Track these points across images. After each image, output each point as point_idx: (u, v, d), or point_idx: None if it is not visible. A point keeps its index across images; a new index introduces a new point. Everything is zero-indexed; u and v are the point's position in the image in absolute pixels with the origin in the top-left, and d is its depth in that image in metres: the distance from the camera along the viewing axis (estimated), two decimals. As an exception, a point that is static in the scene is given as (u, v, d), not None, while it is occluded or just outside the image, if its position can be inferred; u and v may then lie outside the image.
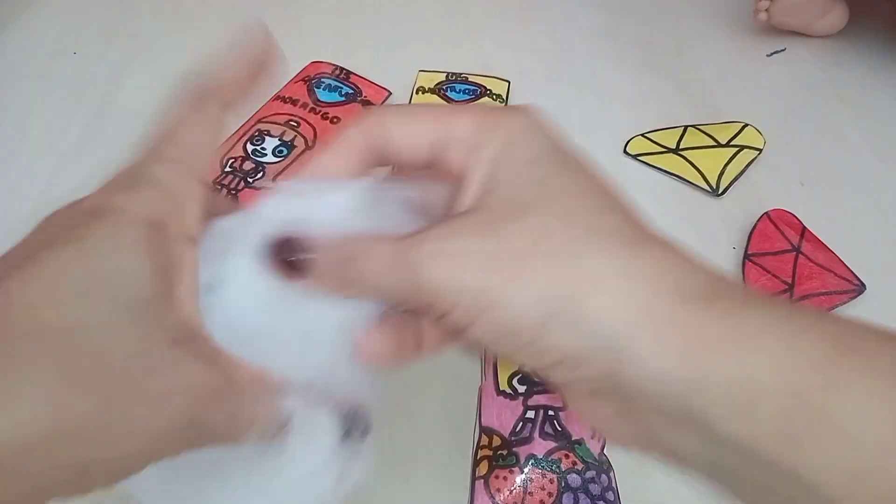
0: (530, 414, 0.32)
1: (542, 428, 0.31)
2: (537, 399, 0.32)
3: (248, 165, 0.44)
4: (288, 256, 0.21)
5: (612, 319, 0.19)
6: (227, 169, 0.44)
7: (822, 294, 0.39)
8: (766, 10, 0.53)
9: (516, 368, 0.33)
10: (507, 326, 0.20)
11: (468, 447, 0.33)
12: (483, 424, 0.33)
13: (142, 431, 0.18)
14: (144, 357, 0.18)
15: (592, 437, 0.32)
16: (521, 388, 0.33)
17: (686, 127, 0.48)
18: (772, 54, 0.55)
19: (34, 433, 0.16)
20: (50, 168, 0.44)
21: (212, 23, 0.55)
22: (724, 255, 0.41)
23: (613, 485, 0.31)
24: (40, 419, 0.16)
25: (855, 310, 0.39)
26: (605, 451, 0.32)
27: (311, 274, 0.21)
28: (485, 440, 0.32)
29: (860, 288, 0.39)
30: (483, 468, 0.31)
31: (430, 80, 0.50)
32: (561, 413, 0.32)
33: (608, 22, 0.56)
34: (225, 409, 0.19)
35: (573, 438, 0.31)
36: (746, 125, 0.48)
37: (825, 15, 0.55)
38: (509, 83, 0.51)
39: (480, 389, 0.34)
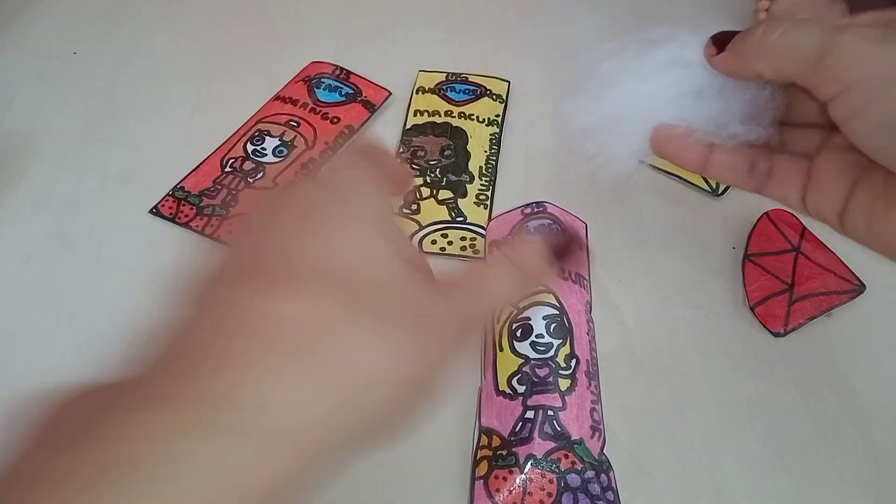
0: (530, 414, 0.32)
1: (541, 428, 0.31)
2: (537, 399, 0.32)
3: (248, 165, 0.44)
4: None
5: None
6: (228, 169, 0.44)
7: (822, 294, 0.39)
8: (766, 10, 0.53)
9: (515, 368, 0.33)
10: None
11: (468, 448, 0.33)
12: (482, 425, 0.33)
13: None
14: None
15: (592, 438, 0.32)
16: (521, 389, 0.33)
17: (686, 127, 0.48)
18: None
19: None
20: (50, 168, 0.44)
21: (212, 23, 0.55)
22: (724, 255, 0.41)
23: (613, 485, 0.31)
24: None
25: (855, 310, 0.39)
26: (604, 450, 0.32)
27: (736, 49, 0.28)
28: (484, 440, 0.32)
29: (860, 288, 0.39)
30: (482, 468, 0.31)
31: (430, 80, 0.50)
32: (560, 413, 0.32)
33: (608, 22, 0.56)
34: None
35: (572, 438, 0.31)
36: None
37: (825, 15, 0.55)
38: (509, 83, 0.51)
39: (480, 390, 0.34)
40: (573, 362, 0.33)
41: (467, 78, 0.50)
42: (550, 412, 0.32)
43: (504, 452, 0.31)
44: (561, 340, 0.34)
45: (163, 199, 0.42)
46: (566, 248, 0.25)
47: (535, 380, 0.33)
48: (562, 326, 0.34)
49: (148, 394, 0.19)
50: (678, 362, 0.37)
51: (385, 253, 0.21)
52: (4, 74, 0.50)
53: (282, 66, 0.50)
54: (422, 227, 0.41)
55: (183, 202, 0.42)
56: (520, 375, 0.33)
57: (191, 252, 0.40)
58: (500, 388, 0.33)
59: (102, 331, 0.37)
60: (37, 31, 0.54)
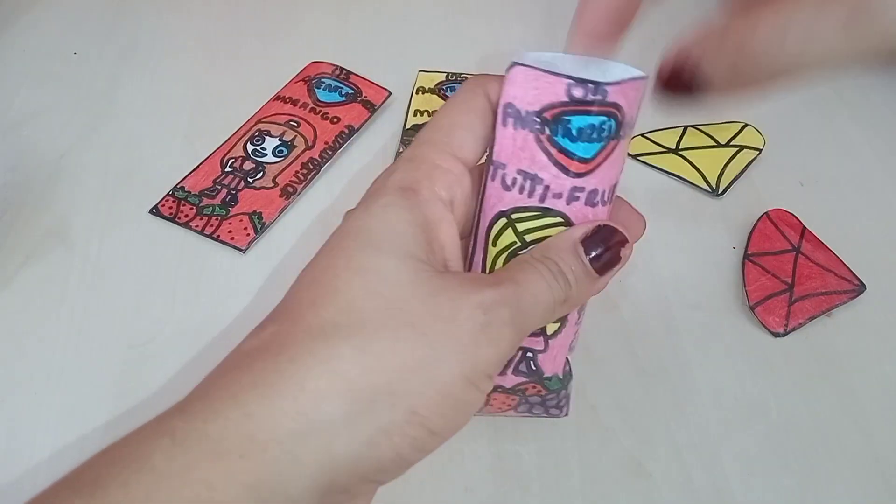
0: None
1: (516, 366, 0.29)
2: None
3: (248, 165, 0.44)
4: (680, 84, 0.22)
5: None
6: (228, 169, 0.44)
7: (822, 294, 0.39)
8: None
9: None
10: None
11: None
12: None
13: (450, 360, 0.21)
14: (419, 285, 0.22)
15: (564, 368, 0.30)
16: None
17: (686, 127, 0.48)
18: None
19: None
20: (49, 168, 0.44)
21: (212, 23, 0.55)
22: (724, 255, 0.41)
23: (567, 393, 0.30)
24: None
25: (855, 310, 0.39)
26: (568, 365, 0.30)
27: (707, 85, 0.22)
28: None
29: (860, 288, 0.39)
30: None
31: (430, 80, 0.50)
32: (539, 355, 0.29)
33: (608, 22, 0.56)
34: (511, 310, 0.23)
35: (545, 376, 0.29)
36: (746, 125, 0.48)
37: None
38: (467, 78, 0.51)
39: None
40: None
41: (467, 78, 0.50)
42: (530, 354, 0.29)
43: None
44: None
45: (163, 199, 0.42)
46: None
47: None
48: None
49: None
50: (678, 362, 0.37)
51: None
52: (4, 74, 0.50)
53: (282, 66, 0.50)
54: (422, 227, 0.41)
55: (183, 202, 0.42)
56: None
57: (191, 252, 0.40)
58: None
59: (102, 331, 0.37)
60: (37, 31, 0.54)
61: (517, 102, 0.24)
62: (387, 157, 0.46)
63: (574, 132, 0.24)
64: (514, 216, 0.26)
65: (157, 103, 0.49)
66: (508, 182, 0.25)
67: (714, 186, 0.44)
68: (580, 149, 0.24)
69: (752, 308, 0.38)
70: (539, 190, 0.25)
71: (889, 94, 0.52)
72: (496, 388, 0.29)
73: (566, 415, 0.31)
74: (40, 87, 0.49)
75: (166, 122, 0.47)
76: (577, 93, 0.24)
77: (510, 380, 0.29)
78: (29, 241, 0.41)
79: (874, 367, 0.37)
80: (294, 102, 0.47)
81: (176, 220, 0.41)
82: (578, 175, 0.25)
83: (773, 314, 0.38)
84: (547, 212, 0.25)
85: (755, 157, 0.46)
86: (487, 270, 0.27)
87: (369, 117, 0.47)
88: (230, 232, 0.41)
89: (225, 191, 0.43)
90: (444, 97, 0.49)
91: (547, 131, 0.24)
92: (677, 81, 0.23)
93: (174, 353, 0.36)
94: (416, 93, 0.49)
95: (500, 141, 0.25)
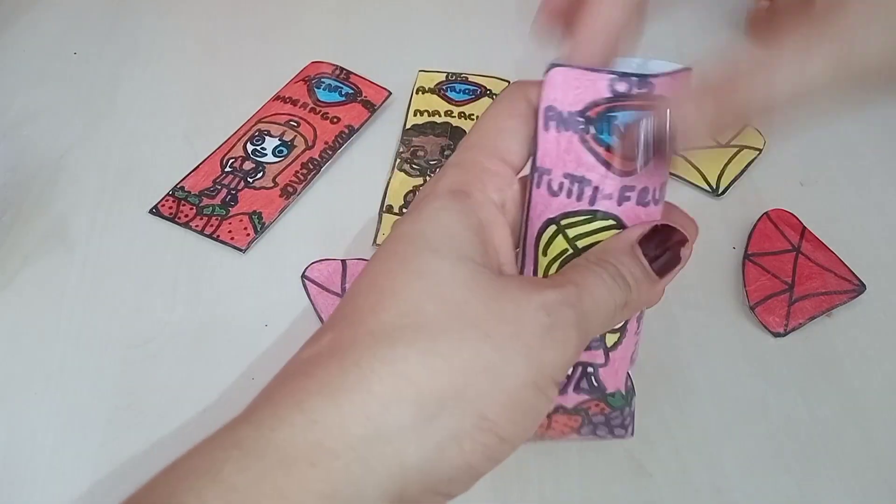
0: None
1: (577, 384, 0.28)
2: (580, 356, 0.29)
3: (248, 165, 0.44)
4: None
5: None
6: (228, 169, 0.44)
7: (822, 294, 0.39)
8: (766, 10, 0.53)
9: None
10: None
11: None
12: None
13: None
14: (479, 287, 0.22)
15: (626, 383, 0.30)
16: None
17: (686, 127, 0.48)
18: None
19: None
20: (49, 168, 0.44)
21: (212, 23, 0.55)
22: (724, 255, 0.41)
23: (631, 411, 0.30)
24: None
25: (855, 310, 0.39)
26: (630, 380, 0.30)
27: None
28: None
29: (860, 288, 0.39)
30: None
31: (430, 80, 0.50)
32: (601, 369, 0.28)
33: (608, 22, 0.56)
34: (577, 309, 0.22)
35: (607, 392, 0.28)
36: (746, 125, 0.48)
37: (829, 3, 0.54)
38: (509, 83, 0.51)
39: None
40: None
41: (467, 78, 0.50)
42: (590, 369, 0.28)
43: None
44: None
45: (163, 199, 0.42)
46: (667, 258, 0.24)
47: None
48: None
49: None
50: (678, 362, 0.37)
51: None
52: (4, 74, 0.50)
53: (282, 66, 0.50)
54: (422, 227, 0.41)
55: (183, 202, 0.42)
56: None
57: (191, 252, 0.40)
58: None
59: (102, 331, 0.37)
60: (37, 31, 0.54)
61: (558, 104, 0.24)
62: (387, 157, 0.46)
63: (622, 128, 0.23)
64: (563, 222, 0.25)
65: (157, 103, 0.49)
66: (555, 187, 0.25)
67: (714, 186, 0.44)
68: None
69: (752, 308, 0.38)
70: (588, 192, 0.24)
71: (889, 94, 0.52)
72: (557, 409, 0.28)
73: (631, 435, 0.30)
74: (40, 87, 0.49)
75: (166, 122, 0.47)
76: (621, 87, 0.23)
77: (571, 398, 0.28)
78: (29, 241, 0.41)
79: (874, 367, 0.37)
80: (294, 102, 0.47)
81: (176, 220, 0.41)
82: (628, 173, 0.24)
83: (773, 314, 0.38)
84: (598, 215, 0.25)
85: (755, 157, 0.46)
86: None
87: (369, 117, 0.47)
88: (230, 232, 0.41)
89: (225, 191, 0.43)
90: (445, 97, 0.49)
91: (592, 130, 0.24)
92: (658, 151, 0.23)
93: (174, 353, 0.36)
94: (416, 93, 0.49)
95: (543, 146, 0.24)
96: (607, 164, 0.24)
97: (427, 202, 0.24)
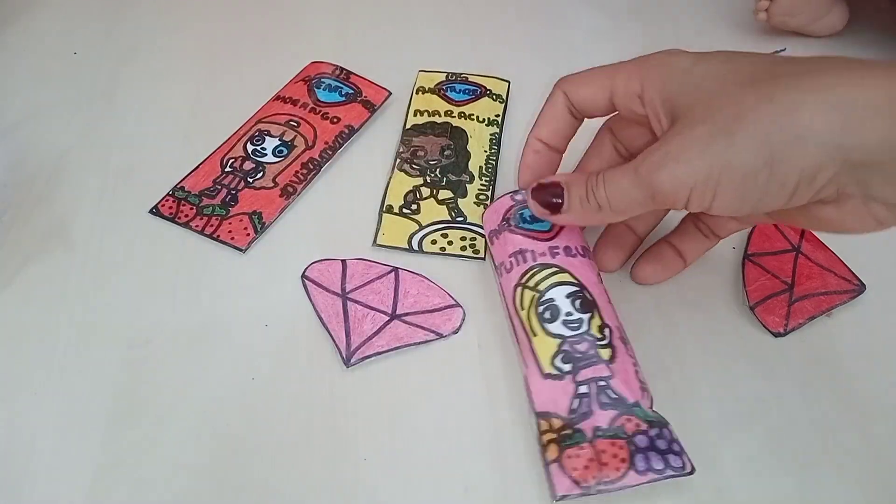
0: (583, 389, 0.32)
1: (598, 399, 0.32)
2: (585, 373, 0.32)
3: (248, 165, 0.44)
4: (545, 199, 0.33)
5: (826, 124, 0.25)
6: (227, 169, 0.44)
7: (822, 294, 0.39)
8: (766, 10, 0.53)
9: (555, 349, 0.33)
10: (743, 179, 0.27)
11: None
12: (538, 411, 0.33)
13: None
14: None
15: (643, 398, 0.32)
16: (567, 367, 0.33)
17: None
18: (771, 54, 0.55)
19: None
20: (50, 168, 0.44)
21: (212, 23, 0.55)
22: (724, 255, 0.41)
23: (675, 436, 0.32)
24: None
25: (855, 310, 0.39)
26: (653, 407, 0.33)
27: (566, 209, 0.33)
28: (545, 425, 0.32)
29: (860, 288, 0.39)
30: (552, 452, 0.31)
31: (430, 80, 0.50)
32: (611, 381, 0.32)
33: (608, 22, 0.56)
34: None
35: (629, 402, 0.32)
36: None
37: (825, 15, 0.55)
38: (509, 83, 0.51)
39: (525, 378, 0.34)
40: (607, 331, 0.34)
41: (467, 78, 0.51)
42: (602, 382, 0.32)
43: (569, 432, 0.31)
44: (589, 314, 0.34)
45: (163, 199, 0.43)
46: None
47: (578, 356, 0.33)
48: (585, 300, 0.34)
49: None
50: (678, 362, 0.37)
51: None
52: (4, 74, 0.50)
53: (282, 66, 0.50)
54: (422, 227, 0.41)
55: (183, 202, 0.42)
56: (562, 354, 0.33)
57: (191, 252, 0.40)
58: (546, 371, 0.33)
59: (102, 331, 0.37)
60: (37, 31, 0.54)
61: (489, 224, 0.39)
62: (387, 157, 0.46)
63: (528, 217, 0.37)
64: (522, 281, 0.35)
65: (157, 103, 0.49)
66: (509, 267, 0.36)
67: (714, 186, 0.44)
68: (538, 225, 0.37)
69: (751, 308, 0.38)
70: (529, 257, 0.36)
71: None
72: (597, 433, 0.31)
73: (692, 470, 0.31)
74: (40, 87, 0.49)
75: (166, 122, 0.47)
76: (518, 197, 0.39)
77: (601, 416, 0.31)
78: (29, 241, 0.41)
79: (874, 367, 0.37)
80: (294, 102, 0.47)
81: (176, 220, 0.41)
82: (548, 240, 0.36)
83: (773, 314, 0.38)
84: (542, 265, 0.35)
85: (755, 157, 0.46)
86: (529, 332, 0.34)
87: (369, 117, 0.47)
88: (230, 232, 0.41)
89: (225, 191, 0.43)
90: (445, 97, 0.49)
91: (512, 223, 0.37)
92: (543, 196, 0.33)
93: (174, 353, 0.36)
94: (416, 93, 0.49)
95: (494, 253, 0.38)
96: (532, 238, 0.36)
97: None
